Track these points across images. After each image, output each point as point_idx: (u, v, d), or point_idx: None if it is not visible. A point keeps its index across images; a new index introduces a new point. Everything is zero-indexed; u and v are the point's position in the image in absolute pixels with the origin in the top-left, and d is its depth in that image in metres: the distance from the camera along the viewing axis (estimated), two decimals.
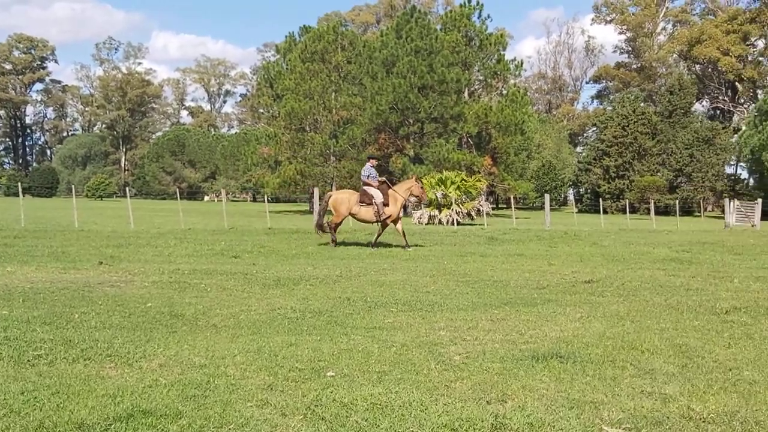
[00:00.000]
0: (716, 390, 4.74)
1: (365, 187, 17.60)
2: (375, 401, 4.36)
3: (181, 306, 7.98)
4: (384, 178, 18.51)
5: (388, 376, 5.00)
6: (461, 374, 5.06)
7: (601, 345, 6.06)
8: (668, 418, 4.15)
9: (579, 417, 4.12)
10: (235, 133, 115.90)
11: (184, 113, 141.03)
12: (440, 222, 34.64)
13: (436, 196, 35.51)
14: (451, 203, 35.01)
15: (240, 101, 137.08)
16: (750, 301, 8.79)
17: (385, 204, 17.25)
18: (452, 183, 36.59)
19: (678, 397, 4.55)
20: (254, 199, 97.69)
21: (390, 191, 17.53)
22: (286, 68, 57.28)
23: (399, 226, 17.76)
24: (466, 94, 54.11)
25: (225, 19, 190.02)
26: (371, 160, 18.28)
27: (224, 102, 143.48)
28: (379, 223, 17.76)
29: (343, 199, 17.65)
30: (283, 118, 53.14)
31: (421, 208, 35.24)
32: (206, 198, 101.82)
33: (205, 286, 9.77)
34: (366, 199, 17.31)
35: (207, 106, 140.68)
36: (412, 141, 50.90)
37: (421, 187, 18.12)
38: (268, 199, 46.08)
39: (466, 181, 37.36)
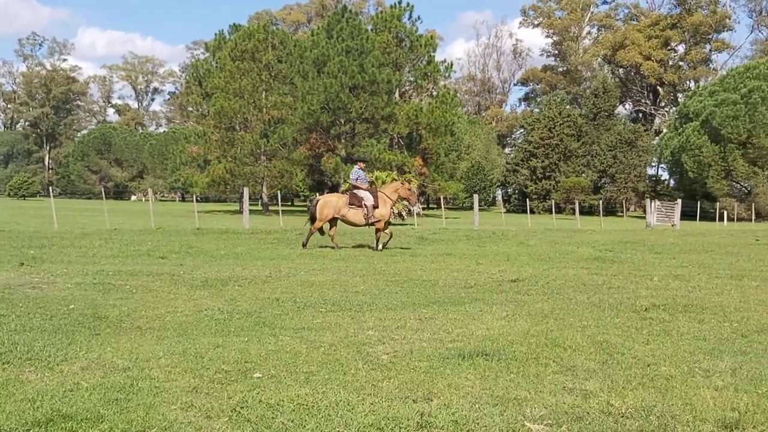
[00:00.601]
0: (635, 385, 4.89)
1: (355, 190, 17.32)
2: (302, 402, 4.36)
3: (104, 308, 7.80)
4: (372, 180, 18.38)
5: (316, 376, 5.00)
6: (388, 373, 5.09)
7: (526, 342, 6.18)
8: (588, 413, 4.26)
9: (502, 414, 4.20)
10: (164, 131, 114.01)
11: (110, 111, 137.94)
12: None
13: None
14: None
15: (168, 99, 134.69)
16: (668, 298, 9.09)
17: (375, 206, 16.91)
18: (383, 183, 36.68)
19: (598, 393, 4.68)
20: (183, 199, 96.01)
21: (379, 193, 17.24)
22: (216, 66, 56.62)
23: (387, 229, 17.39)
24: (397, 95, 54.43)
25: (154, 16, 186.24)
26: (359, 163, 18.01)
27: (152, 100, 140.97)
28: (373, 227, 17.37)
29: (328, 202, 17.34)
30: (212, 117, 52.51)
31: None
32: (133, 198, 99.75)
33: (131, 287, 9.57)
34: (355, 202, 16.94)
35: (134, 104, 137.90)
36: (343, 141, 50.93)
37: (409, 189, 17.81)
38: (197, 199, 45.42)
39: (397, 180, 37.50)
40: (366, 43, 49.57)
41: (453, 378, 4.98)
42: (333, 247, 16.94)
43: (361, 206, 16.86)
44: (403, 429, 3.92)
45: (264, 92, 53.50)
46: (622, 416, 4.23)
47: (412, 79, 58.79)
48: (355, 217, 17.03)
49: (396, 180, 37.36)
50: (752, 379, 5.06)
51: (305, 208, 58.39)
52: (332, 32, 50.33)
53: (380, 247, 16.80)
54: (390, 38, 52.85)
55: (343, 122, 50.35)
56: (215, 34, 60.96)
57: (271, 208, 52.38)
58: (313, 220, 17.36)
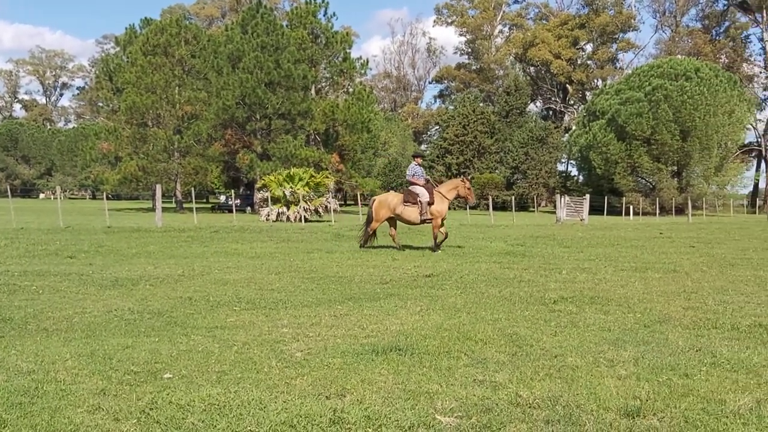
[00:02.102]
0: (542, 376, 5.03)
1: (411, 187, 16.49)
2: (213, 402, 4.31)
3: (9, 309, 7.53)
4: (428, 177, 17.20)
5: (228, 375, 4.96)
6: (302, 371, 5.09)
7: (438, 337, 6.28)
8: (497, 404, 4.36)
9: (414, 408, 4.26)
10: (73, 127, 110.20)
11: (17, 107, 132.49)
12: (288, 219, 34.53)
13: (284, 193, 35.37)
14: (299, 200, 34.98)
15: (78, 94, 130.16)
16: (576, 291, 9.38)
17: (430, 203, 16.00)
18: (300, 180, 36.57)
19: (507, 385, 4.79)
20: (94, 197, 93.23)
21: (435, 191, 16.28)
22: (127, 61, 55.17)
23: (444, 227, 16.35)
24: (313, 91, 54.25)
25: (64, 9, 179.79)
26: (416, 158, 17.13)
27: (61, 95, 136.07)
28: (430, 224, 16.39)
29: (383, 201, 16.62)
30: (123, 113, 51.17)
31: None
32: (41, 196, 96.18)
33: (37, 288, 9.25)
34: (411, 199, 16.10)
35: (42, 100, 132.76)
36: (259, 137, 50.41)
37: (468, 188, 16.50)
38: (108, 197, 44.14)
39: (313, 177, 37.43)
40: (281, 38, 49.20)
41: (366, 374, 5.02)
42: (396, 248, 16.33)
43: (416, 203, 16.04)
44: (315, 426, 3.93)
45: (177, 87, 52.47)
46: (530, 406, 4.34)
47: (328, 75, 58.69)
48: (411, 215, 16.14)
49: (311, 175, 37.36)
50: (653, 368, 5.27)
51: (215, 207, 57.60)
52: (247, 27, 49.72)
53: (437, 248, 15.95)
54: (305, 34, 52.60)
55: (258, 118, 49.83)
56: (126, 29, 59.51)
57: (185, 205, 51.44)
58: (369, 221, 16.71)
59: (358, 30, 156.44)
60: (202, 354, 5.59)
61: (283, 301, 8.39)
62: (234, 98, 47.43)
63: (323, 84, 60.37)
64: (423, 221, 16.18)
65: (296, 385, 4.74)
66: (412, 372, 5.09)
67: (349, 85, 59.95)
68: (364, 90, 55.95)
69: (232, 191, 50.07)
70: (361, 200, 43.74)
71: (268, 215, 34.94)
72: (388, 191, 17.42)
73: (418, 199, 16.02)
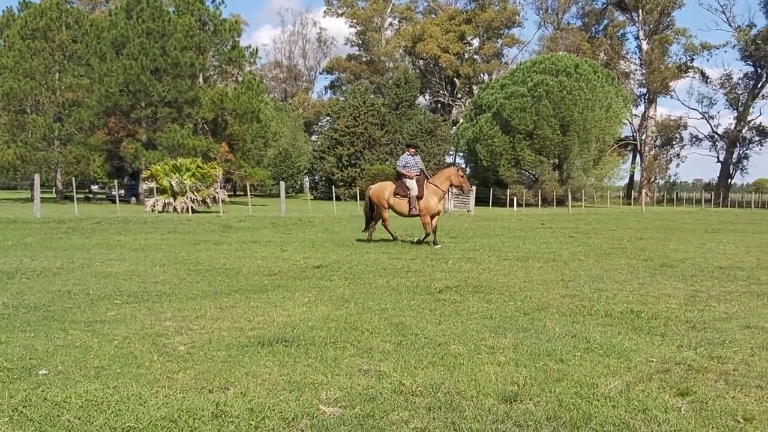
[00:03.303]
0: (425, 364, 5.14)
1: (404, 179, 15.76)
2: (90, 398, 4.18)
3: None
4: (423, 167, 16.17)
5: (107, 371, 4.82)
6: (185, 364, 5.01)
7: (325, 327, 6.30)
8: (381, 393, 4.42)
9: (298, 399, 4.27)
10: None
11: None
12: (175, 210, 33.71)
13: (171, 184, 34.51)
14: (186, 191, 34.21)
15: None
16: (461, 280, 9.61)
17: (419, 197, 15.38)
18: (187, 170, 35.75)
19: (391, 373, 4.87)
20: None
21: (428, 183, 15.56)
22: (4, 45, 52.30)
23: (434, 220, 15.63)
24: (201, 80, 53.15)
25: None
26: (410, 149, 16.26)
27: None
28: (417, 218, 15.93)
29: (374, 192, 16.24)
30: (0, 99, 48.49)
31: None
32: None
33: None
34: (401, 191, 15.57)
35: None
36: (145, 125, 48.93)
37: (461, 176, 15.72)
38: None
39: (201, 168, 36.68)
40: (168, 25, 47.88)
41: (251, 366, 4.99)
42: (366, 240, 16.03)
43: (406, 196, 15.54)
44: (197, 420, 3.88)
45: (58, 73, 50.26)
46: (413, 394, 4.43)
47: (216, 63, 57.62)
48: (400, 206, 15.68)
49: (198, 165, 36.54)
50: (531, 354, 5.47)
51: (90, 197, 55.50)
52: (132, 13, 48.12)
53: (418, 240, 15.73)
54: (193, 21, 51.39)
55: (144, 106, 48.33)
56: (3, 11, 56.56)
57: (67, 195, 49.38)
58: (369, 212, 16.35)
59: (248, 18, 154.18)
60: (80, 349, 5.42)
61: (167, 294, 8.21)
62: (118, 85, 45.85)
63: (211, 72, 59.22)
64: (411, 215, 15.78)
65: (178, 379, 4.66)
66: (298, 363, 5.10)
67: (238, 73, 59.06)
68: (254, 79, 55.22)
69: (116, 181, 48.40)
70: (250, 191, 43.22)
71: (154, 206, 33.99)
72: (377, 183, 16.76)
73: (408, 193, 15.55)
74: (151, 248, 14.29)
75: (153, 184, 35.33)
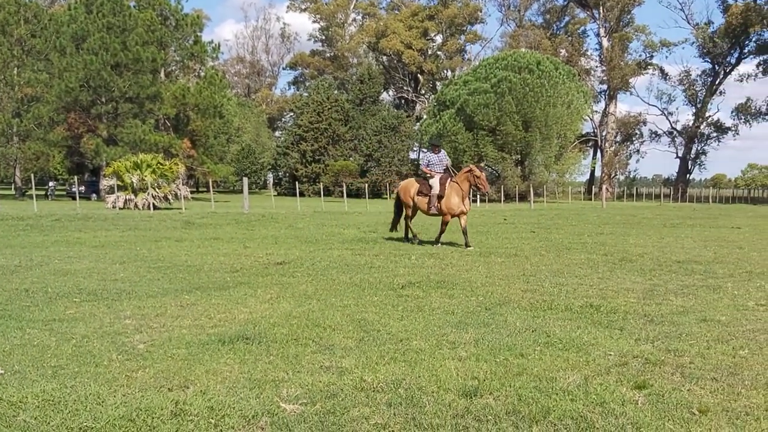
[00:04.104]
0: (387, 360, 5.16)
1: (428, 178, 15.32)
2: (47, 398, 4.13)
3: None
4: (448, 165, 15.41)
5: (65, 370, 4.76)
6: (144, 363, 4.96)
7: (287, 324, 6.29)
8: (342, 390, 4.43)
9: (259, 396, 4.26)
10: None
11: None
12: (136, 206, 33.29)
13: (132, 180, 34.09)
14: (148, 187, 33.81)
15: None
16: (423, 276, 9.65)
17: (440, 196, 14.73)
18: (148, 166, 35.30)
19: (353, 370, 4.88)
20: None
21: (451, 182, 14.81)
22: None
23: (463, 220, 14.74)
24: (162, 75, 52.55)
25: None
26: (434, 148, 15.74)
27: None
28: (441, 217, 15.09)
29: (402, 188, 15.90)
30: None
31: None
32: None
33: None
34: (425, 190, 15.10)
35: None
36: (105, 121, 48.20)
37: (477, 175, 14.62)
38: None
39: (162, 164, 36.25)
40: (128, 19, 47.19)
41: (211, 364, 4.96)
42: (407, 239, 15.64)
43: (428, 195, 15.07)
44: (155, 419, 3.84)
45: (16, 68, 49.23)
46: (374, 390, 4.44)
47: (178, 58, 57.00)
48: (422, 205, 15.21)
49: (159, 162, 36.10)
50: (492, 349, 5.52)
51: (46, 193, 54.53)
52: (92, 7, 47.31)
53: (437, 240, 15.04)
54: (154, 16, 50.73)
55: (105, 101, 47.62)
56: None
57: (26, 192, 48.49)
58: (398, 209, 15.93)
59: (210, 13, 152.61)
60: (38, 348, 5.35)
61: (127, 292, 8.12)
62: (78, 80, 45.09)
63: (173, 67, 58.61)
64: (431, 214, 15.26)
65: (137, 377, 4.62)
66: (259, 361, 5.08)
67: (200, 69, 58.48)
68: (216, 74, 54.73)
69: (76, 177, 47.61)
70: (213, 187, 42.86)
71: (115, 203, 33.50)
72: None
73: (430, 192, 15.07)
74: (112, 245, 14.11)
75: (114, 181, 34.82)
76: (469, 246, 14.14)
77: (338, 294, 8.09)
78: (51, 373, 4.70)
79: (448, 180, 14.93)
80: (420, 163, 15.83)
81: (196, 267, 10.59)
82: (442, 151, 15.85)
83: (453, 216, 14.73)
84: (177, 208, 33.02)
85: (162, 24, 52.18)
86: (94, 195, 48.97)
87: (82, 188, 48.00)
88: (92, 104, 47.38)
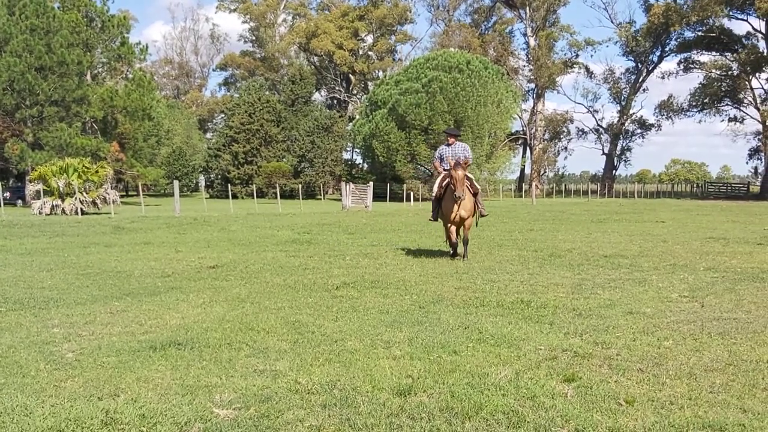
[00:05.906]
0: (322, 362, 5.17)
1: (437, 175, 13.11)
2: None
3: None
4: (459, 161, 12.06)
5: None
6: (73, 372, 4.87)
7: (221, 329, 6.24)
8: (276, 393, 4.43)
9: (191, 403, 4.22)
10: None
11: None
12: (63, 212, 32.42)
13: (58, 185, 33.19)
14: (75, 192, 32.96)
15: None
16: (358, 276, 9.69)
17: (439, 199, 12.53)
18: (75, 170, 34.43)
19: (287, 372, 4.88)
20: None
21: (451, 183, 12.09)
22: None
23: (465, 228, 12.33)
24: (89, 77, 51.24)
25: None
26: (450, 137, 13.05)
27: None
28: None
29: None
30: None
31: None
32: None
33: None
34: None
35: None
36: (30, 125, 46.76)
37: (454, 180, 11.79)
38: None
39: (88, 168, 35.40)
40: (53, 21, 45.91)
41: (143, 371, 4.89)
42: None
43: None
44: (86, 429, 3.78)
45: None
46: (309, 392, 4.46)
47: (105, 60, 55.67)
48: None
49: (85, 165, 35.25)
50: (426, 347, 5.59)
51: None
52: (14, 9, 45.91)
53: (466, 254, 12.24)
54: (79, 17, 49.46)
55: (29, 105, 46.18)
56: None
57: None
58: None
59: (137, 15, 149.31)
60: None
61: (55, 300, 7.92)
62: (1, 84, 43.69)
63: (100, 69, 57.19)
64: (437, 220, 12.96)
65: (66, 387, 4.53)
66: (192, 366, 5.03)
67: (128, 71, 57.22)
68: (145, 76, 53.64)
69: (0, 183, 46.08)
70: (143, 190, 42.03)
71: (41, 208, 32.55)
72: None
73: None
74: (38, 252, 13.73)
75: (40, 186, 33.83)
76: (466, 257, 11.98)
77: (272, 296, 8.07)
78: None
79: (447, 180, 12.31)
80: (435, 155, 13.36)
81: (127, 273, 10.40)
82: (458, 143, 12.97)
83: (451, 224, 12.20)
84: (106, 212, 32.28)
85: (88, 26, 50.92)
86: (19, 201, 47.50)
87: (7, 194, 46.45)
88: (16, 108, 45.95)
